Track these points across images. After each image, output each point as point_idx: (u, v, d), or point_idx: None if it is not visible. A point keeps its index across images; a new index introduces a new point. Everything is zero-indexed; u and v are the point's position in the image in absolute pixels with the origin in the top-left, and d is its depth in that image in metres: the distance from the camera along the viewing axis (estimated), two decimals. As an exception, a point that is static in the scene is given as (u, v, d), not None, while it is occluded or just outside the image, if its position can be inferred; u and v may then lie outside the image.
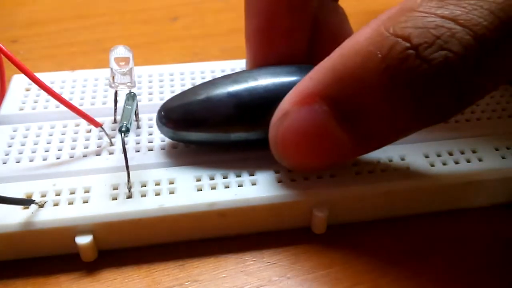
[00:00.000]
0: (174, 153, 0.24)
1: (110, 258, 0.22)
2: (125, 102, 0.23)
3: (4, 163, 0.23)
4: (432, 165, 0.23)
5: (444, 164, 0.23)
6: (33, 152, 0.24)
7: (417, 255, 0.22)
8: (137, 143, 0.24)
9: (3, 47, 0.22)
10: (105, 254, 0.22)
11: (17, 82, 0.28)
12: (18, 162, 0.23)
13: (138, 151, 0.24)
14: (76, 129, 0.25)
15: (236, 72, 0.24)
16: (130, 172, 0.22)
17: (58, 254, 0.22)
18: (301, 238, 0.23)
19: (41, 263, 0.21)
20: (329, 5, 0.26)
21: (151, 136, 0.25)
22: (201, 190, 0.22)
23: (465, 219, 0.24)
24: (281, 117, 0.20)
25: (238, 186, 0.22)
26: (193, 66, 0.29)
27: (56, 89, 0.27)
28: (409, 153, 0.24)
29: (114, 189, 0.22)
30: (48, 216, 0.21)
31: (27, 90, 0.27)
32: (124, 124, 0.22)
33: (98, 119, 0.24)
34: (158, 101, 0.27)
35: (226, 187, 0.22)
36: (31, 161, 0.23)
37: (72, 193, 0.22)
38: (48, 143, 0.24)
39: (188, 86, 0.28)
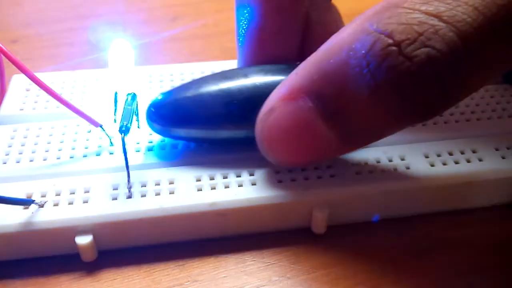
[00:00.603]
0: (174, 153, 0.24)
1: (110, 258, 0.22)
2: (125, 102, 0.23)
3: (4, 163, 0.23)
4: (432, 165, 0.23)
5: (444, 164, 0.23)
6: (33, 152, 0.24)
7: (417, 255, 0.22)
8: (137, 143, 0.24)
9: (3, 47, 0.22)
10: (105, 254, 0.22)
11: (17, 82, 0.28)
12: (18, 162, 0.23)
13: (138, 151, 0.24)
14: (76, 129, 0.25)
15: (227, 70, 0.24)
16: (130, 172, 0.22)
17: (58, 254, 0.22)
18: (301, 238, 0.23)
19: (41, 263, 0.21)
20: (322, 4, 0.26)
21: (151, 136, 0.25)
22: (201, 190, 0.22)
23: (465, 219, 0.24)
24: (267, 112, 0.20)
25: (238, 186, 0.22)
26: (193, 66, 0.30)
27: (56, 89, 0.26)
28: (409, 153, 0.24)
29: (114, 189, 0.22)
30: (48, 216, 0.21)
31: (27, 90, 0.27)
32: (124, 124, 0.22)
33: (98, 119, 0.24)
34: (158, 101, 0.27)
35: (226, 187, 0.22)
36: (31, 161, 0.23)
37: (72, 193, 0.22)
38: (48, 143, 0.24)
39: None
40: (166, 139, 0.24)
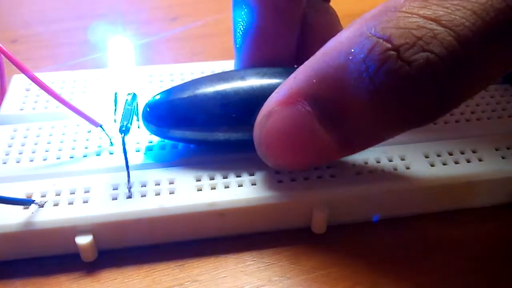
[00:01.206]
0: (174, 153, 0.24)
1: (110, 258, 0.22)
2: (125, 102, 0.23)
3: (4, 163, 0.23)
4: (432, 165, 0.23)
5: (444, 164, 0.23)
6: (33, 152, 0.24)
7: (417, 255, 0.22)
8: (137, 143, 0.24)
9: (3, 47, 0.22)
10: (105, 254, 0.22)
11: (17, 82, 0.28)
12: (18, 162, 0.23)
13: (138, 151, 0.24)
14: (76, 129, 0.25)
15: (223, 72, 0.24)
16: (130, 172, 0.22)
17: (58, 254, 0.22)
18: (301, 238, 0.23)
19: (41, 263, 0.21)
20: (319, 6, 0.26)
21: (151, 136, 0.25)
22: (201, 190, 0.22)
23: (465, 219, 0.24)
24: (265, 116, 0.20)
25: (238, 186, 0.22)
26: (193, 66, 0.29)
27: (56, 89, 0.26)
28: (409, 153, 0.24)
29: (114, 189, 0.22)
30: (48, 216, 0.21)
31: (27, 90, 0.27)
32: (124, 124, 0.22)
33: (98, 119, 0.24)
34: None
35: (226, 187, 0.22)
36: (31, 161, 0.23)
37: (72, 193, 0.22)
38: (48, 143, 0.24)
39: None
40: (167, 140, 0.24)
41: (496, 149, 0.24)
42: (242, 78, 0.23)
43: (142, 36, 0.37)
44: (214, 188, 0.22)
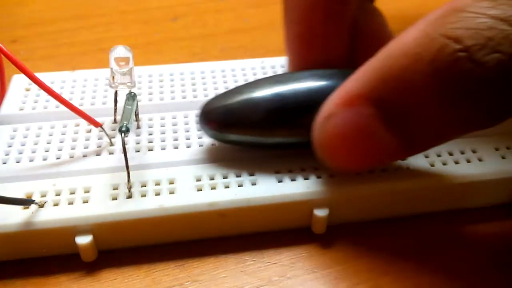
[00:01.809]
0: (174, 153, 0.24)
1: (110, 258, 0.22)
2: (125, 102, 0.23)
3: (4, 163, 0.23)
4: (432, 165, 0.23)
5: (444, 164, 0.23)
6: (33, 152, 0.24)
7: (417, 255, 0.22)
8: (137, 143, 0.24)
9: (3, 47, 0.22)
10: (105, 254, 0.22)
11: (17, 82, 0.28)
12: (18, 162, 0.23)
13: (138, 151, 0.24)
14: (76, 129, 0.25)
15: (278, 74, 0.24)
16: (130, 172, 0.22)
17: (58, 254, 0.22)
18: (301, 238, 0.23)
19: (41, 263, 0.21)
20: (367, 7, 0.26)
21: (151, 136, 0.25)
22: (201, 190, 0.22)
23: (465, 219, 0.24)
24: (326, 118, 0.20)
25: (238, 186, 0.22)
26: (193, 66, 0.29)
27: (56, 89, 0.27)
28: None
29: (114, 189, 0.22)
30: (48, 216, 0.21)
31: (27, 90, 0.27)
32: (124, 124, 0.22)
33: (98, 119, 0.24)
34: (158, 101, 0.27)
35: (226, 187, 0.22)
36: (31, 161, 0.23)
37: (72, 193, 0.22)
38: (48, 143, 0.24)
39: (188, 86, 0.28)
40: (166, 138, 0.24)
41: (496, 149, 0.24)
42: (298, 80, 0.23)
43: (142, 35, 0.37)
44: (214, 188, 0.22)
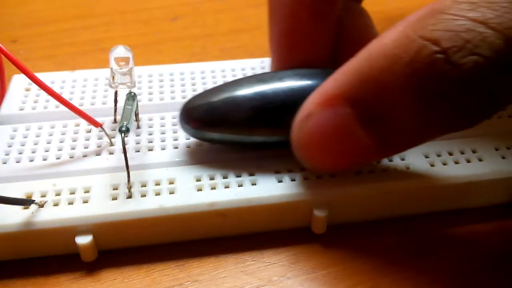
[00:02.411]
0: (174, 153, 0.24)
1: (110, 258, 0.22)
2: (125, 102, 0.23)
3: (4, 163, 0.23)
4: (432, 165, 0.23)
5: (444, 164, 0.23)
6: (33, 152, 0.24)
7: (417, 255, 0.22)
8: (137, 143, 0.24)
9: (3, 47, 0.22)
10: (105, 254, 0.22)
11: (17, 82, 0.28)
12: (18, 162, 0.23)
13: (138, 151, 0.24)
14: (76, 129, 0.25)
15: (260, 73, 0.24)
16: (130, 172, 0.22)
17: (58, 254, 0.22)
18: (301, 238, 0.23)
19: (41, 263, 0.21)
20: (353, 8, 0.26)
21: (151, 136, 0.25)
22: (201, 190, 0.22)
23: (465, 219, 0.24)
24: (304, 118, 0.20)
25: (238, 186, 0.22)
26: (193, 66, 0.30)
27: (56, 89, 0.27)
28: (409, 153, 0.24)
29: (114, 189, 0.22)
30: (48, 216, 0.21)
31: (27, 90, 0.27)
32: (124, 124, 0.22)
33: (98, 119, 0.24)
34: (158, 101, 0.27)
35: (226, 187, 0.22)
36: (31, 161, 0.23)
37: (72, 193, 0.22)
38: (48, 143, 0.24)
39: (188, 86, 0.28)
40: (167, 138, 0.24)
41: (496, 149, 0.24)
42: (281, 79, 0.23)
43: (142, 35, 0.37)
44: (214, 188, 0.22)
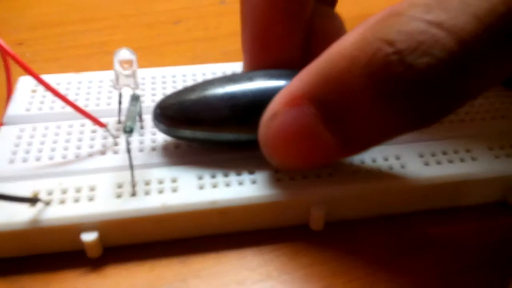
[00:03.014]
0: (176, 152, 0.24)
1: (115, 254, 0.22)
2: (129, 103, 0.24)
3: (11, 162, 0.23)
4: (427, 164, 0.24)
5: (438, 163, 0.24)
6: (40, 151, 0.24)
7: (413, 252, 0.22)
8: (141, 143, 0.25)
9: (10, 49, 0.22)
10: (110, 251, 0.22)
11: (24, 84, 0.28)
12: (25, 161, 0.23)
13: (142, 151, 0.24)
14: (81, 129, 0.25)
15: (232, 73, 0.24)
16: (134, 171, 0.22)
17: (64, 251, 0.22)
18: (299, 235, 0.23)
19: (48, 259, 0.22)
20: (325, 11, 0.26)
21: (154, 136, 0.25)
22: (202, 188, 0.22)
23: (459, 217, 0.24)
24: (270, 117, 0.21)
25: (239, 185, 0.23)
26: (195, 68, 0.30)
27: (62, 91, 0.27)
28: (405, 152, 0.24)
29: (118, 187, 0.22)
30: (55, 214, 0.21)
31: (33, 91, 0.28)
32: (128, 125, 0.22)
33: (103, 120, 0.24)
34: (161, 103, 0.27)
35: (227, 185, 0.23)
36: (37, 160, 0.24)
37: (78, 191, 0.22)
38: (54, 143, 0.24)
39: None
40: (169, 138, 0.25)
41: (489, 149, 0.25)
42: (250, 79, 0.23)
43: (146, 38, 0.37)
44: (216, 187, 0.23)
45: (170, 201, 0.22)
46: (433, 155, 0.24)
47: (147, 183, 0.23)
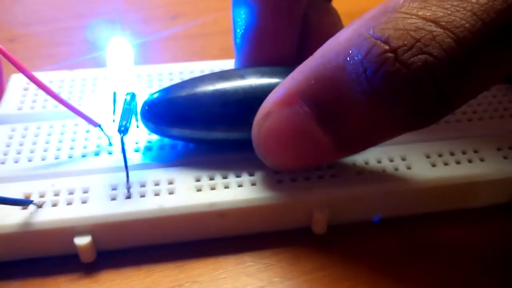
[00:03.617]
0: (173, 153, 0.24)
1: (109, 259, 0.22)
2: (124, 102, 0.23)
3: (3, 163, 0.23)
4: (434, 165, 0.23)
5: (446, 164, 0.23)
6: (32, 152, 0.24)
7: (418, 255, 0.22)
8: (136, 143, 0.24)
9: (1, 46, 0.21)
10: (104, 255, 0.22)
11: (16, 82, 0.28)
12: (16, 162, 0.23)
13: (137, 151, 0.24)
14: (74, 129, 0.25)
15: (223, 70, 0.24)
16: (129, 172, 0.22)
17: (56, 255, 0.22)
18: (301, 239, 0.23)
19: (39, 264, 0.21)
20: (321, 6, 0.26)
21: (150, 136, 0.25)
22: (200, 190, 0.22)
23: (466, 219, 0.24)
24: (263, 116, 0.20)
25: (238, 187, 0.22)
26: (192, 65, 0.30)
27: (55, 89, 0.27)
28: (410, 153, 0.24)
29: (113, 189, 0.22)
30: (47, 216, 0.21)
31: (26, 89, 0.27)
32: (123, 124, 0.22)
33: (97, 119, 0.24)
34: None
35: (226, 187, 0.22)
36: (29, 161, 0.23)
37: (71, 193, 0.22)
38: (47, 143, 0.24)
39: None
40: (166, 138, 0.24)
41: (498, 149, 0.24)
42: (242, 77, 0.23)
43: (141, 35, 0.37)
44: (214, 189, 0.22)
45: (167, 204, 0.21)
46: (440, 155, 0.24)
47: (143, 185, 0.22)
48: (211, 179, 0.23)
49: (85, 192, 0.22)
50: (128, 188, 0.22)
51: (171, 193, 0.22)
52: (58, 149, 0.24)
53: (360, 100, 0.18)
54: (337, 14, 0.27)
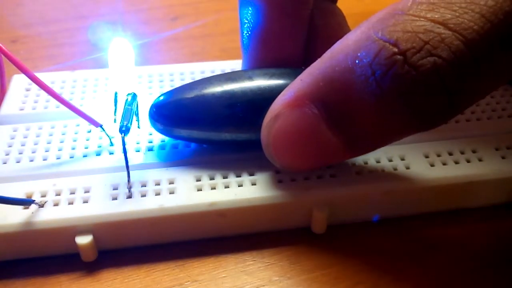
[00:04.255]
0: (174, 153, 0.24)
1: (110, 258, 0.22)
2: (125, 102, 0.23)
3: (5, 163, 0.23)
4: (432, 165, 0.23)
5: (444, 164, 0.23)
6: (33, 152, 0.24)
7: (417, 254, 0.22)
8: (137, 143, 0.24)
9: (3, 47, 0.21)
10: (105, 254, 0.22)
11: (17, 82, 0.28)
12: (18, 162, 0.23)
13: (138, 151, 0.24)
14: (76, 129, 0.25)
15: (231, 72, 0.24)
16: (130, 172, 0.22)
17: (58, 254, 0.22)
18: (301, 238, 0.23)
19: (41, 263, 0.21)
20: (326, 7, 0.26)
21: (151, 136, 0.25)
22: (201, 190, 0.22)
23: (465, 219, 0.24)
24: (273, 118, 0.20)
25: (238, 186, 0.22)
26: (193, 66, 0.29)
27: (56, 89, 0.27)
28: (409, 153, 0.24)
29: (114, 189, 0.22)
30: (48, 216, 0.21)
31: (27, 90, 0.27)
32: (124, 124, 0.22)
33: (98, 119, 0.24)
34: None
35: (226, 187, 0.22)
36: (31, 161, 0.23)
37: (72, 193, 0.22)
38: (48, 143, 0.24)
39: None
40: (167, 139, 0.24)
41: (496, 149, 0.24)
42: (250, 78, 0.23)
43: (142, 36, 0.37)
44: (214, 188, 0.22)
45: (167, 203, 0.21)
46: (438, 155, 0.24)
47: (144, 185, 0.22)
48: (212, 178, 0.23)
49: (87, 191, 0.22)
50: (129, 188, 0.22)
51: (171, 192, 0.22)
52: (60, 149, 0.24)
53: (369, 102, 0.18)
54: (342, 15, 0.27)
